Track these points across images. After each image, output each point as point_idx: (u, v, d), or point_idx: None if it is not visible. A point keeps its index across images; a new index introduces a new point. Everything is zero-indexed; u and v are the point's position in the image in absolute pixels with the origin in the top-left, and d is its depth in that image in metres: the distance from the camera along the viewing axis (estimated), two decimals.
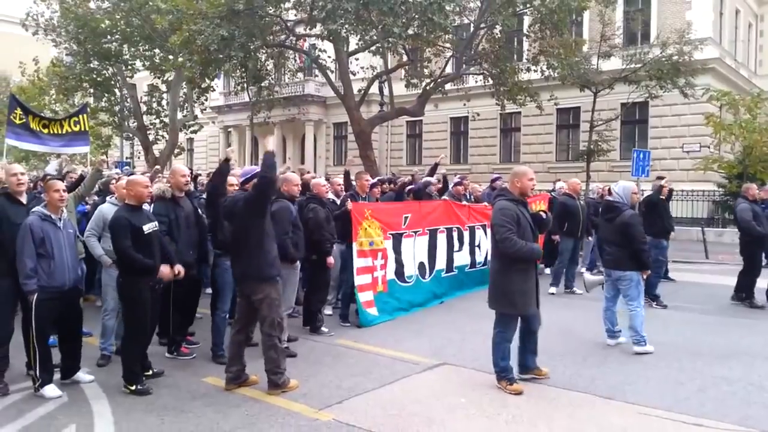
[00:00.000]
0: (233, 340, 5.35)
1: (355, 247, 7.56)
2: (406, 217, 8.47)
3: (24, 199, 5.42)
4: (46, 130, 9.84)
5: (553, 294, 9.58)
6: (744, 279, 9.13)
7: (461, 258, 9.59)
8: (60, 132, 9.96)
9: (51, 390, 5.02)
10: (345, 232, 7.60)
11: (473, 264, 9.92)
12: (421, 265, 8.76)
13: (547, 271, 10.91)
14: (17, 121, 9.47)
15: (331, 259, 7.21)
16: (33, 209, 5.12)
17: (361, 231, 7.61)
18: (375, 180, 9.07)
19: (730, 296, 9.23)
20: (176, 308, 6.06)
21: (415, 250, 8.60)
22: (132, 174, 7.00)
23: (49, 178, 5.88)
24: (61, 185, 5.20)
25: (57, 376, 5.26)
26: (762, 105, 18.99)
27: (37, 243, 4.90)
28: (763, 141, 18.35)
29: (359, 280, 7.58)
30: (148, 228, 5.21)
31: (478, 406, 4.88)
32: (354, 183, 8.47)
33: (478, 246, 10.05)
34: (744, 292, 9.09)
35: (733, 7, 24.71)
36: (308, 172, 11.20)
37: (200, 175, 10.63)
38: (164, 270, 5.30)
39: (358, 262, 7.58)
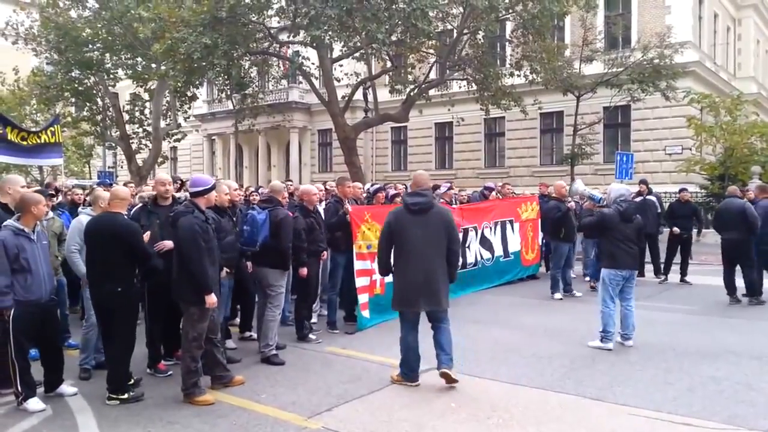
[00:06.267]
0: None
1: (354, 249, 7.58)
2: None
3: None
4: (25, 143, 9.74)
5: (561, 299, 9.51)
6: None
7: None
8: (39, 142, 9.91)
9: (35, 403, 4.92)
10: (334, 239, 7.58)
11: (464, 265, 9.95)
12: None
13: None
14: None
15: (303, 270, 6.87)
16: (5, 223, 4.99)
17: (359, 234, 7.63)
18: (378, 186, 9.36)
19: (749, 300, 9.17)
20: (153, 321, 5.94)
21: None
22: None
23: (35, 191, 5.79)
24: (43, 198, 5.17)
25: (40, 389, 5.16)
26: (742, 107, 19.26)
27: (12, 258, 4.79)
28: (744, 142, 18.64)
29: (358, 282, 7.61)
30: None
31: (467, 410, 4.86)
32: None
33: (468, 247, 10.09)
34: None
35: (712, 11, 25.06)
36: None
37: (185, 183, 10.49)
38: None
39: (357, 265, 7.61)
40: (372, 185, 10.76)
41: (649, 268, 11.42)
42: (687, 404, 4.95)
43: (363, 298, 7.69)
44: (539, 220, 11.67)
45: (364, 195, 9.21)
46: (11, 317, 4.79)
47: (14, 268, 4.80)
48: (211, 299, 5.04)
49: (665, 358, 6.28)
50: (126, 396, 5.06)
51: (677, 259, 11.18)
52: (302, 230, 6.87)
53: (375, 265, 7.71)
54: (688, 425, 4.54)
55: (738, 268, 9.25)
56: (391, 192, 10.36)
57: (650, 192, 11.73)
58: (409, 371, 5.46)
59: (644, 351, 6.50)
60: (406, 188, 10.42)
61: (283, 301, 6.41)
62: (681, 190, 11.52)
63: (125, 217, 5.35)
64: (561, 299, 9.54)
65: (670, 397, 5.13)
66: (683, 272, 11.09)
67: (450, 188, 10.89)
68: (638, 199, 11.54)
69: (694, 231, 11.51)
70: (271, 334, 6.23)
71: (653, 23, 22.12)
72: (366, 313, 7.70)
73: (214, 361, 5.42)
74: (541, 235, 11.68)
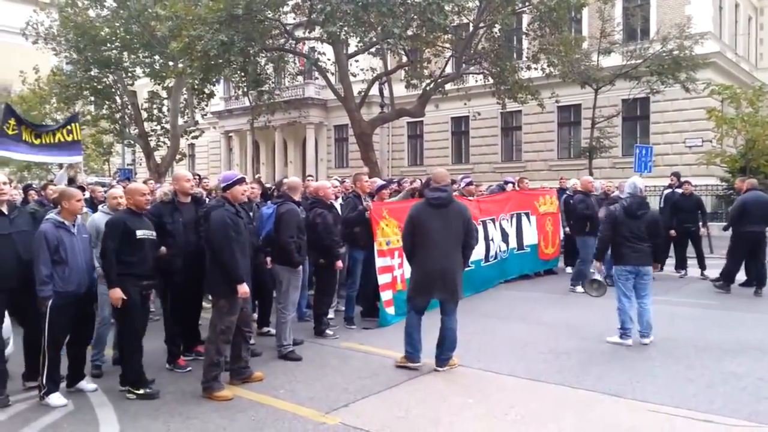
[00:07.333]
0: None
1: (375, 246, 7.60)
2: None
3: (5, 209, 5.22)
4: (38, 141, 9.79)
5: (582, 293, 9.41)
6: None
7: (475, 253, 9.56)
8: (53, 141, 9.92)
9: (56, 398, 4.99)
10: (353, 235, 7.60)
11: (487, 258, 9.91)
12: None
13: (569, 270, 10.84)
14: (9, 132, 9.44)
15: (340, 263, 7.19)
16: (47, 217, 5.15)
17: (379, 231, 7.63)
18: (384, 183, 9.11)
19: None
20: (174, 318, 6.00)
21: None
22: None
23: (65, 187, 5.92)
24: (80, 194, 5.28)
25: (62, 384, 5.23)
26: (764, 98, 18.89)
27: (52, 250, 4.92)
28: (766, 134, 18.27)
29: (381, 279, 7.61)
30: (141, 234, 5.24)
31: (485, 406, 4.85)
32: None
33: (492, 240, 10.03)
34: None
35: (733, 1, 24.63)
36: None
37: (207, 179, 10.58)
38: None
39: (378, 262, 7.61)
40: (391, 181, 10.77)
41: (670, 262, 11.31)
42: (708, 401, 4.89)
43: (387, 295, 7.66)
44: (560, 214, 11.56)
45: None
46: (48, 308, 4.89)
47: (54, 260, 4.92)
48: (243, 289, 5.15)
49: (685, 353, 6.20)
50: (142, 391, 5.11)
51: (691, 252, 11.06)
52: (332, 225, 6.95)
53: (395, 261, 7.79)
54: (709, 422, 4.48)
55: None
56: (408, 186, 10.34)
57: (681, 185, 11.57)
58: (412, 350, 5.76)
59: (664, 346, 6.43)
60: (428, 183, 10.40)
61: (290, 300, 6.36)
62: (684, 183, 11.29)
63: (125, 211, 5.39)
64: (582, 293, 9.40)
65: (690, 393, 5.07)
66: (702, 266, 10.97)
67: (470, 183, 10.71)
68: (668, 191, 11.45)
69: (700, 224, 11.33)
70: (284, 335, 6.28)
71: (672, 14, 21.79)
72: (390, 310, 7.67)
73: (238, 355, 5.47)
74: (562, 229, 11.57)
